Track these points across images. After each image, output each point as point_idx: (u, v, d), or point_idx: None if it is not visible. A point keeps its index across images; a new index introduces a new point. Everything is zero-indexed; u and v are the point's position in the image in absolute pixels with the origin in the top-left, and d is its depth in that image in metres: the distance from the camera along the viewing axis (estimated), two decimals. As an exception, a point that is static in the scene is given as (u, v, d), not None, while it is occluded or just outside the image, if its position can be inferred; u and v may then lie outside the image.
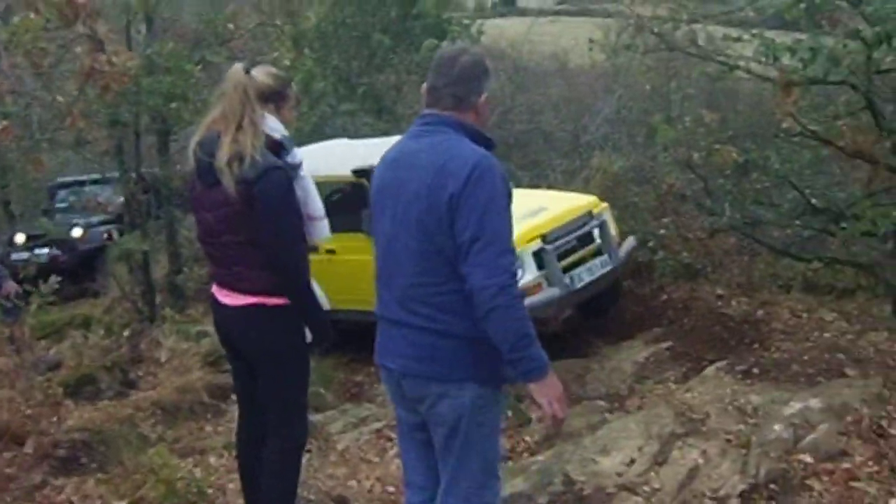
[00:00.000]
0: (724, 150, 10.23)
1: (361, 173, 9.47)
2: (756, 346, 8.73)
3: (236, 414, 5.39)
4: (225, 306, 4.86)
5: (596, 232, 9.48)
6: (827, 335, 8.94)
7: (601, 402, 7.80)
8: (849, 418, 6.05)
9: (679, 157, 11.08)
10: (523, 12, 33.39)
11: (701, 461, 5.84)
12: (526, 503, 5.73)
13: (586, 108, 13.77)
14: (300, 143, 12.63)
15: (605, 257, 9.36)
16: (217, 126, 4.65)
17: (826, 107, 9.87)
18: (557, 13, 32.80)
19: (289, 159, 4.77)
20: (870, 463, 5.64)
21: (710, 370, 7.80)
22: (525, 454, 6.83)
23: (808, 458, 5.64)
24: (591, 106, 13.86)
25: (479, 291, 3.67)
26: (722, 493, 5.46)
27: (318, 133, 13.72)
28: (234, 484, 5.99)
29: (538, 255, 8.81)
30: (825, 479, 5.47)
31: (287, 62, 12.15)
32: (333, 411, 8.23)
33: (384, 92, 16.07)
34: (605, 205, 9.80)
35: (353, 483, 6.40)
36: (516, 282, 3.73)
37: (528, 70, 17.97)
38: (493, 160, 3.81)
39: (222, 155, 4.54)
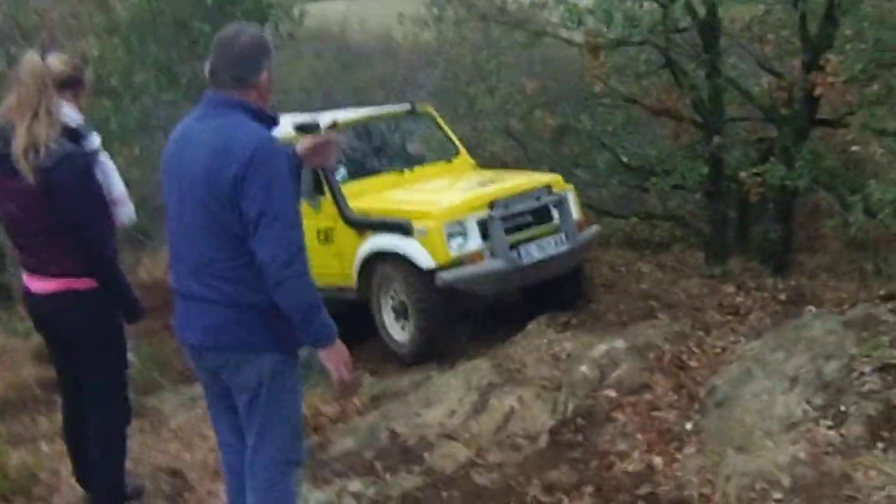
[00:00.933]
0: (542, 116, 10.59)
1: (306, 128, 8.78)
2: (578, 300, 9.07)
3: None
4: (36, 294, 4.91)
5: (554, 211, 8.68)
6: (643, 286, 9.36)
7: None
8: (651, 355, 6.45)
9: (499, 124, 11.42)
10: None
11: (517, 406, 6.14)
12: (354, 459, 5.93)
13: (410, 83, 14.00)
14: (125, 140, 12.49)
15: (560, 236, 8.53)
16: (12, 115, 4.63)
17: (630, 68, 10.30)
18: (383, -8, 32.87)
19: (87, 145, 4.82)
20: (670, 393, 6.04)
21: (532, 325, 8.10)
22: (354, 416, 7.02)
23: (612, 393, 6.01)
24: (415, 80, 14.09)
25: (269, 264, 3.80)
26: (534, 431, 5.78)
27: (143, 127, 13.58)
28: (66, 468, 6.03)
29: (483, 224, 8.19)
30: (629, 410, 5.85)
31: (96, 52, 11.93)
32: (168, 393, 8.27)
33: (197, 82, 15.99)
34: (569, 186, 9.02)
35: (186, 456, 6.49)
36: (303, 254, 3.88)
37: (353, 49, 18.12)
38: (275, 140, 3.97)
39: (18, 145, 4.55)
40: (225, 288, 3.95)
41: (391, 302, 8.42)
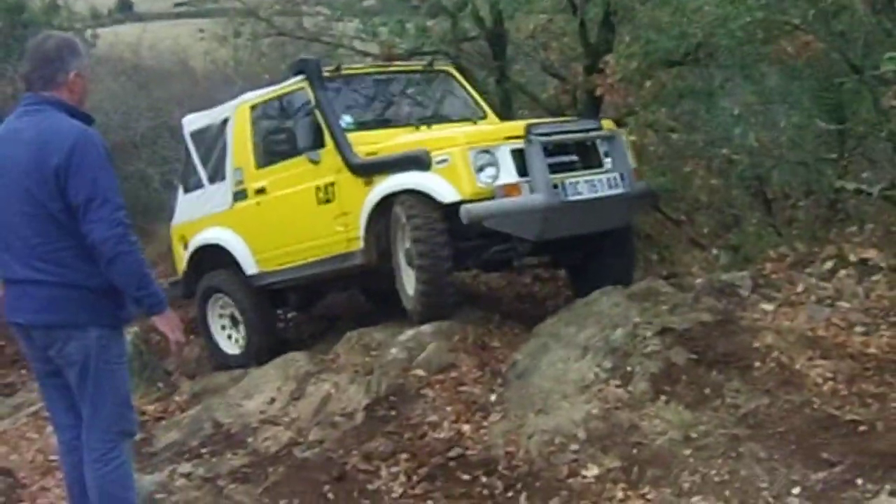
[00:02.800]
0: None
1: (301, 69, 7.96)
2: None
3: None
4: None
5: (603, 148, 7.45)
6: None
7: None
8: (456, 338, 6.85)
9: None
10: (141, 17, 33.04)
11: (333, 391, 6.49)
12: (181, 447, 6.17)
13: (209, 101, 14.10)
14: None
15: (614, 175, 7.23)
16: None
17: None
18: (178, 15, 32.73)
19: None
20: (475, 370, 6.48)
21: (341, 322, 8.46)
22: (177, 412, 7.23)
23: (421, 372, 6.40)
24: (214, 98, 14.20)
25: (102, 243, 4.15)
26: (349, 409, 6.13)
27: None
28: None
29: (520, 155, 6.96)
30: (437, 386, 6.26)
31: None
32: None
33: (2, 103, 15.77)
34: (622, 130, 7.92)
35: (15, 457, 6.62)
36: (131, 232, 4.25)
37: (149, 70, 18.09)
38: (91, 131, 4.32)
39: None
40: (51, 269, 4.26)
41: (402, 250, 7.25)
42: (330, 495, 5.33)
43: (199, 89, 15.74)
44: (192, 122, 9.14)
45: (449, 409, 6.01)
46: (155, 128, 14.48)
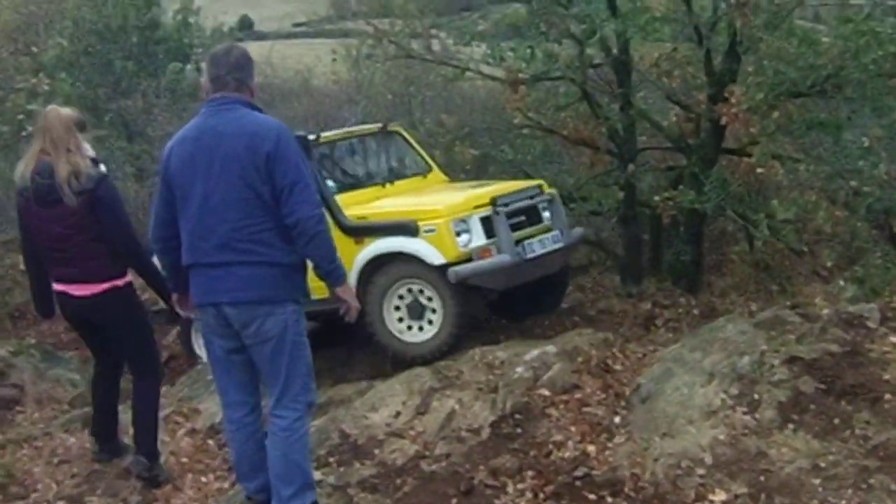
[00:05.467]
0: (462, 148, 11.13)
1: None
2: (503, 321, 9.58)
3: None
4: (80, 297, 6.03)
5: (545, 212, 8.92)
6: (564, 305, 9.91)
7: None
8: (580, 359, 6.95)
9: (422, 156, 11.91)
10: (262, 36, 33.79)
11: (457, 407, 6.59)
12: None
13: (332, 120, 14.41)
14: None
15: (556, 233, 8.79)
16: (46, 155, 5.83)
17: (549, 101, 10.90)
18: (295, 35, 33.45)
19: (102, 169, 6.04)
20: (598, 392, 6.56)
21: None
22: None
23: (546, 392, 6.50)
24: (336, 118, 14.51)
25: (305, 222, 4.74)
26: (476, 426, 6.24)
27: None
28: (39, 468, 6.68)
29: (486, 221, 8.36)
30: (561, 406, 6.35)
31: (46, 87, 12.27)
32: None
33: (135, 116, 16.32)
34: (553, 190, 9.30)
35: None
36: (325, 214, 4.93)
37: (273, 87, 18.54)
38: (284, 125, 4.94)
39: (60, 174, 5.72)
40: (256, 249, 4.83)
41: (399, 302, 8.37)
42: (458, 508, 5.45)
43: (322, 107, 16.09)
44: None
45: (573, 429, 6.09)
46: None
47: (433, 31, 11.04)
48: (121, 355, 6.40)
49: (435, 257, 8.10)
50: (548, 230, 8.80)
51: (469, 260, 8.17)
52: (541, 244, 8.56)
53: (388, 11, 13.82)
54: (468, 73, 10.87)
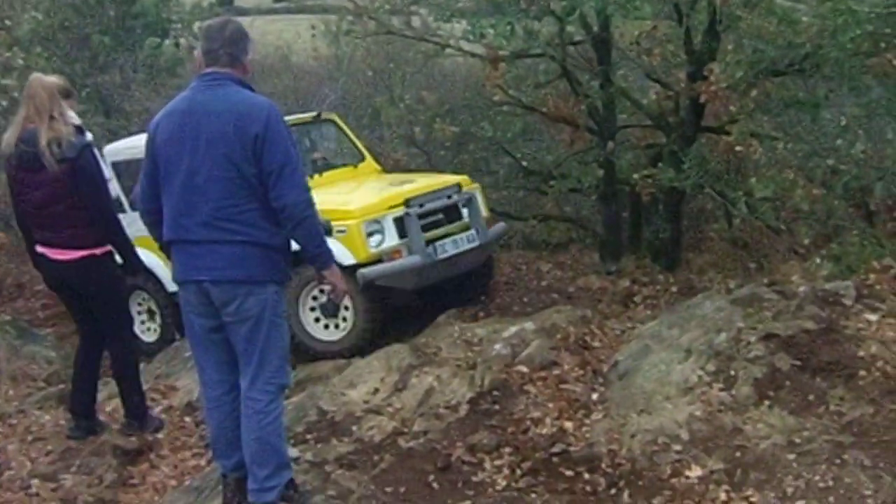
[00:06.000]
0: (442, 125, 11.10)
1: None
2: (483, 297, 9.60)
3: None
4: (59, 261, 6.20)
5: (464, 209, 9.10)
6: (544, 282, 9.95)
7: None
8: (558, 336, 6.98)
9: (402, 133, 11.90)
10: (242, 11, 33.60)
11: (435, 383, 6.59)
12: (286, 433, 6.33)
13: (312, 97, 14.36)
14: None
15: (472, 233, 8.94)
16: (30, 122, 5.96)
17: (529, 78, 10.88)
18: (276, 10, 33.30)
19: (86, 138, 6.25)
20: (576, 369, 6.58)
21: (441, 318, 8.61)
22: (280, 399, 7.41)
23: (524, 369, 6.52)
24: (316, 94, 14.46)
25: (294, 206, 4.71)
26: (453, 402, 6.25)
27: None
28: (13, 446, 6.67)
29: (400, 222, 8.53)
30: (539, 383, 6.37)
31: (21, 61, 12.15)
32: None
33: (112, 91, 16.19)
34: (476, 185, 9.50)
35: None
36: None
37: (252, 64, 18.38)
38: (275, 106, 4.84)
39: (42, 141, 5.86)
40: (239, 229, 4.78)
41: (313, 302, 8.49)
42: (435, 485, 5.42)
43: (302, 84, 16.01)
44: (114, 153, 9.65)
45: (551, 405, 6.11)
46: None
47: (413, 8, 10.95)
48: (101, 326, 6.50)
49: (345, 258, 8.14)
50: (466, 228, 8.96)
51: (380, 261, 8.35)
52: (454, 244, 8.74)
53: (368, -13, 13.74)
54: (448, 50, 10.84)
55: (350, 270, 8.11)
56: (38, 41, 16.23)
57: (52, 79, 6.17)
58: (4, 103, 10.94)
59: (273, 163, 4.67)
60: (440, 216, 8.89)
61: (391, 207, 8.55)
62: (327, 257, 4.97)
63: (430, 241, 8.58)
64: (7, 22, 15.33)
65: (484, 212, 9.31)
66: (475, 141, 11.58)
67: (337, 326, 8.50)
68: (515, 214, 11.74)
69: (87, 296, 6.36)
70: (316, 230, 4.85)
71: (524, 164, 11.55)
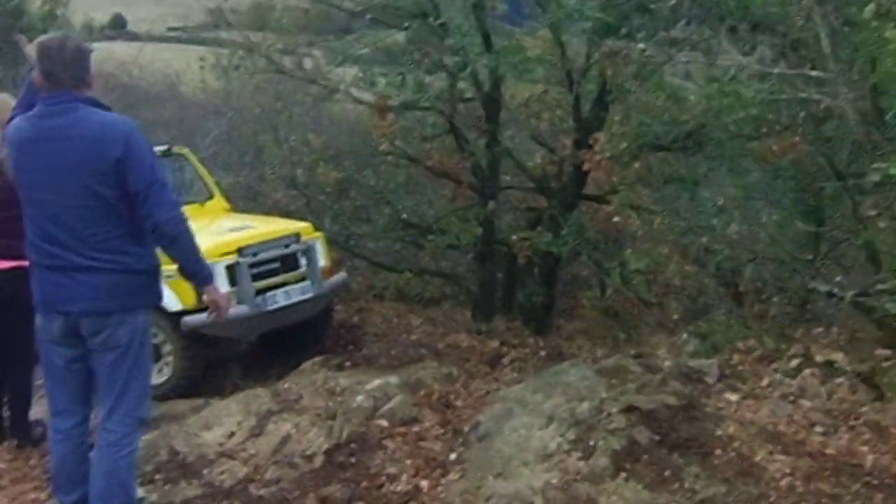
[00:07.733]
0: (325, 170, 11.03)
1: None
2: (351, 346, 9.48)
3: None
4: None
5: (302, 258, 8.89)
6: (413, 336, 9.86)
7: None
8: (422, 392, 6.89)
9: (284, 173, 11.79)
10: (135, 37, 33.18)
11: (293, 431, 6.45)
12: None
13: (197, 129, 14.17)
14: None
15: (306, 284, 8.75)
16: None
17: (416, 131, 10.89)
18: (169, 39, 32.99)
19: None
20: (437, 427, 6.49)
21: (306, 364, 8.41)
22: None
23: (384, 423, 6.41)
24: (202, 127, 14.27)
25: (166, 224, 4.55)
26: (309, 452, 6.11)
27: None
28: None
29: (231, 270, 8.27)
30: (398, 439, 6.26)
31: None
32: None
33: (-8, 105, 15.78)
34: (318, 234, 9.28)
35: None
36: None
37: (138, 90, 18.18)
38: (135, 123, 4.65)
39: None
40: (106, 257, 4.57)
41: None
42: (281, 535, 5.31)
43: (187, 114, 15.82)
44: None
45: (408, 462, 6.00)
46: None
47: (306, 50, 10.91)
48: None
49: (172, 304, 7.84)
50: (302, 279, 8.79)
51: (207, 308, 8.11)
52: (286, 295, 8.58)
53: (264, 25, 13.67)
54: (337, 95, 10.80)
55: (175, 317, 7.91)
56: None
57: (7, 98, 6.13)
58: None
59: (139, 182, 4.47)
60: (276, 265, 8.68)
61: (224, 255, 8.28)
62: (206, 273, 4.87)
63: (262, 291, 8.39)
64: None
65: (323, 262, 9.08)
66: (357, 188, 11.53)
67: (160, 371, 8.19)
68: (390, 266, 11.68)
69: (7, 308, 6.18)
70: (191, 246, 4.71)
71: (404, 216, 11.52)
